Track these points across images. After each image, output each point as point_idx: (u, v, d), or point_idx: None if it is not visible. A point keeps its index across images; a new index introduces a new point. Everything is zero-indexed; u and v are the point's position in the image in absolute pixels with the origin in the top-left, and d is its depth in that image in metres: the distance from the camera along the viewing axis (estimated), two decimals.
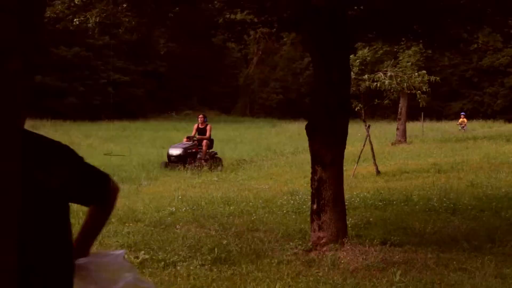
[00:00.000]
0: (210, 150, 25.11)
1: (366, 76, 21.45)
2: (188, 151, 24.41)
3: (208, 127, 25.43)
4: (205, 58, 65.45)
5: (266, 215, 13.10)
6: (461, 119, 43.87)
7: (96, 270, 3.29)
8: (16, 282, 2.00)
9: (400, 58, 32.53)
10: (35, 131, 3.05)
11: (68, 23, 12.91)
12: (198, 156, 24.61)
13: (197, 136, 25.37)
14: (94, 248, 3.45)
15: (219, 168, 24.24)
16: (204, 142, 24.83)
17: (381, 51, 29.10)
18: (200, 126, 25.65)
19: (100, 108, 56.61)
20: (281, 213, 13.39)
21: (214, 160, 24.68)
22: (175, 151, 24.41)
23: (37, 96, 45.84)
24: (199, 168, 23.33)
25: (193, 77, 71.71)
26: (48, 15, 13.75)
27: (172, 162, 24.08)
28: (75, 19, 12.00)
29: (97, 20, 11.51)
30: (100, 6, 11.38)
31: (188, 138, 25.51)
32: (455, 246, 9.88)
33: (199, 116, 26.29)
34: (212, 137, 25.66)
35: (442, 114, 56.91)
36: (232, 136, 41.75)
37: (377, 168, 20.42)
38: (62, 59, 53.32)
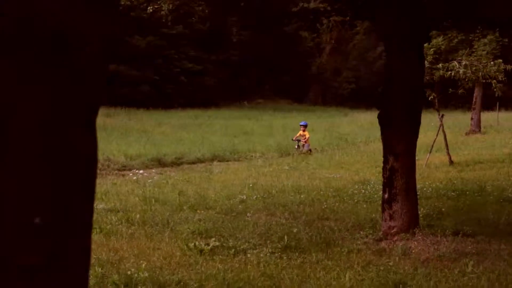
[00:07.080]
0: None
1: (440, 65, 21.15)
2: None
3: None
4: (278, 47, 65.23)
5: (337, 204, 13.07)
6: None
7: None
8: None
9: (475, 46, 31.94)
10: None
11: (141, 12, 13.11)
12: None
13: None
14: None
15: None
16: None
17: (456, 40, 28.65)
18: None
19: (173, 97, 57.17)
20: (352, 202, 13.34)
21: None
22: None
23: (111, 84, 46.53)
24: None
25: (266, 66, 71.70)
26: (122, 3, 13.99)
27: None
28: (149, 7, 12.19)
29: (170, 7, 11.65)
30: None
31: None
32: None
33: None
34: None
35: None
36: None
37: (450, 158, 20.16)
38: (136, 48, 53.93)
